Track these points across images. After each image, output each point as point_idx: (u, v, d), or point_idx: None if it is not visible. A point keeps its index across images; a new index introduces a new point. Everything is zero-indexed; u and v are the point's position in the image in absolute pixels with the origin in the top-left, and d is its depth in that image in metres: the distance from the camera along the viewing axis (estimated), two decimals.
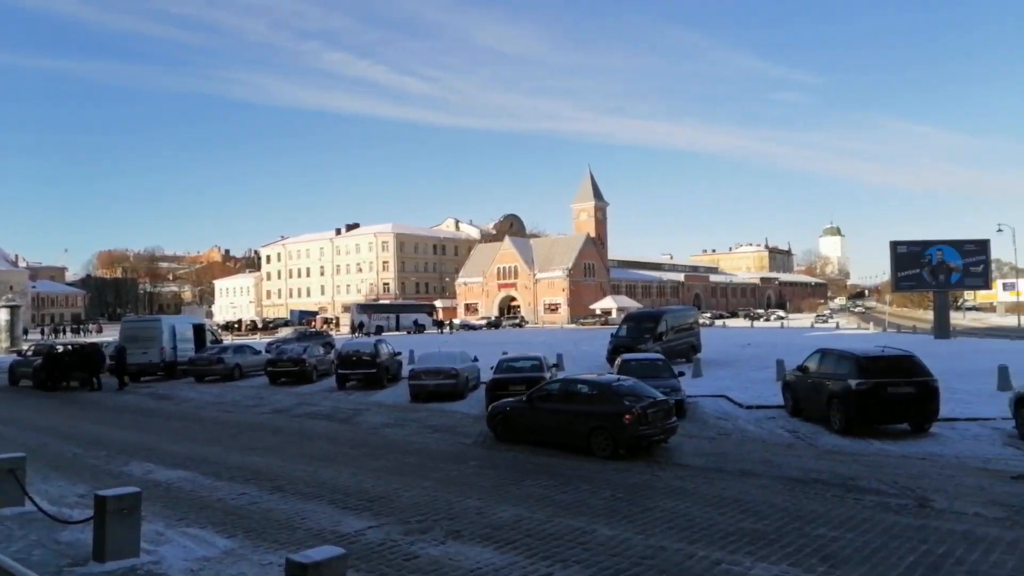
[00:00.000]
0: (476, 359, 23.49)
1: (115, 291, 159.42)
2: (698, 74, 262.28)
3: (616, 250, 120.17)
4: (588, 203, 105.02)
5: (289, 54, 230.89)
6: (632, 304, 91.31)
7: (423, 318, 78.86)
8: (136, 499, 6.91)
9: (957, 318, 73.87)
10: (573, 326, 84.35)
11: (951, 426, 14.22)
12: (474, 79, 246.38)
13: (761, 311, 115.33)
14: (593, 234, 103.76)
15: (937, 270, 46.35)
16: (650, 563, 6.78)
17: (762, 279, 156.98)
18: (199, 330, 32.65)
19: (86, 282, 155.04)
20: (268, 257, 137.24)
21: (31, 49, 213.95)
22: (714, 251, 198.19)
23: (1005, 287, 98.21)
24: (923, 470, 10.90)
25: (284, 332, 60.94)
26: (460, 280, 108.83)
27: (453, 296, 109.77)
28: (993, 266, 57.38)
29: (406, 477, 10.95)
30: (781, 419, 15.88)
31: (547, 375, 18.15)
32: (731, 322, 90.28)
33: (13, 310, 51.89)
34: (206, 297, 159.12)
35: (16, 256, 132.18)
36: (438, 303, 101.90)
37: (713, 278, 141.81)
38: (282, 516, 8.82)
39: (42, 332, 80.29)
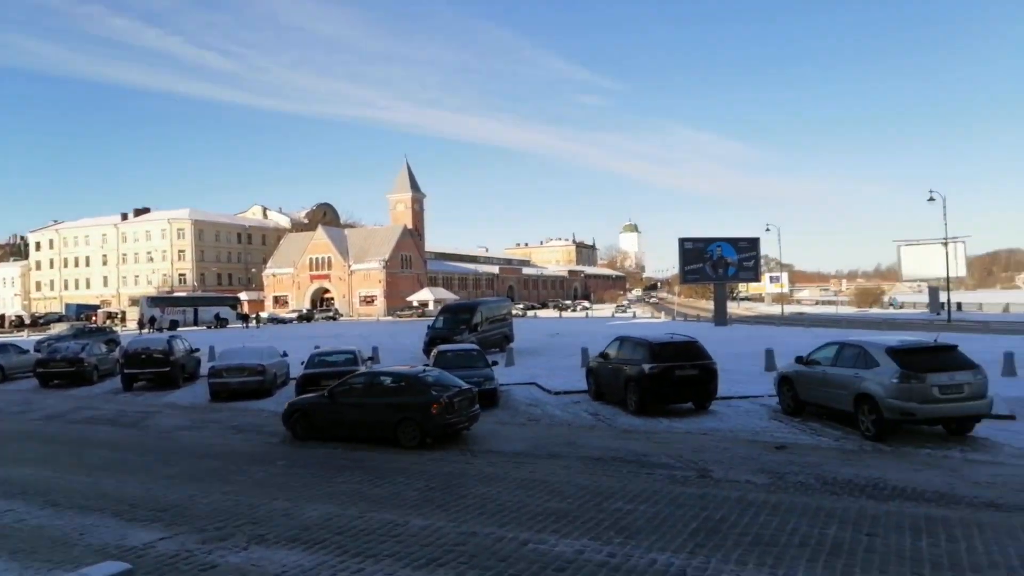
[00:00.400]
0: (285, 354, 22.45)
1: None
2: (509, 73, 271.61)
3: (433, 242, 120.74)
4: (405, 194, 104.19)
5: (65, 17, 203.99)
6: (449, 296, 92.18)
7: (226, 312, 73.93)
8: None
9: (733, 307, 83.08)
10: (390, 318, 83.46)
11: (727, 403, 15.95)
12: (282, 59, 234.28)
13: (568, 302, 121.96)
14: (410, 225, 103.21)
15: (717, 264, 51.81)
16: (461, 549, 6.90)
17: (570, 272, 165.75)
18: None
19: None
20: (38, 244, 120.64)
21: None
22: (527, 245, 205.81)
23: (772, 280, 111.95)
24: (704, 444, 12.13)
25: (58, 328, 54.09)
26: (268, 271, 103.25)
27: (261, 288, 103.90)
28: (762, 261, 65.21)
29: (204, 483, 10.20)
30: (585, 403, 16.89)
31: (362, 369, 17.80)
32: (542, 313, 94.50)
33: None
34: None
35: None
36: (243, 295, 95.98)
37: (525, 271, 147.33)
38: (57, 532, 7.84)
39: None
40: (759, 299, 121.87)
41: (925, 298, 70.90)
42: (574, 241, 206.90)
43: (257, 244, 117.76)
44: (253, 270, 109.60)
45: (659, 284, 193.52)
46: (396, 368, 14.64)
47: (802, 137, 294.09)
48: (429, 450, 11.98)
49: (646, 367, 14.91)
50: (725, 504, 8.29)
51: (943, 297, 57.61)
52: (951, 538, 6.82)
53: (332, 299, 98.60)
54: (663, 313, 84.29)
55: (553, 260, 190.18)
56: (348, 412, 12.99)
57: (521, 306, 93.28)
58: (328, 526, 7.84)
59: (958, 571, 5.96)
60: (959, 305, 64.23)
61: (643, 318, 73.04)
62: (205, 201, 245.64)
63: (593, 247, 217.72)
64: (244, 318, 73.29)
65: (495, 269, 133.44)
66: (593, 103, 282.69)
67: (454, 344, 21.82)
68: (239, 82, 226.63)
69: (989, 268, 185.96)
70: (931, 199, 51.16)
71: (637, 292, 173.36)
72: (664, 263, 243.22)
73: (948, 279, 55.42)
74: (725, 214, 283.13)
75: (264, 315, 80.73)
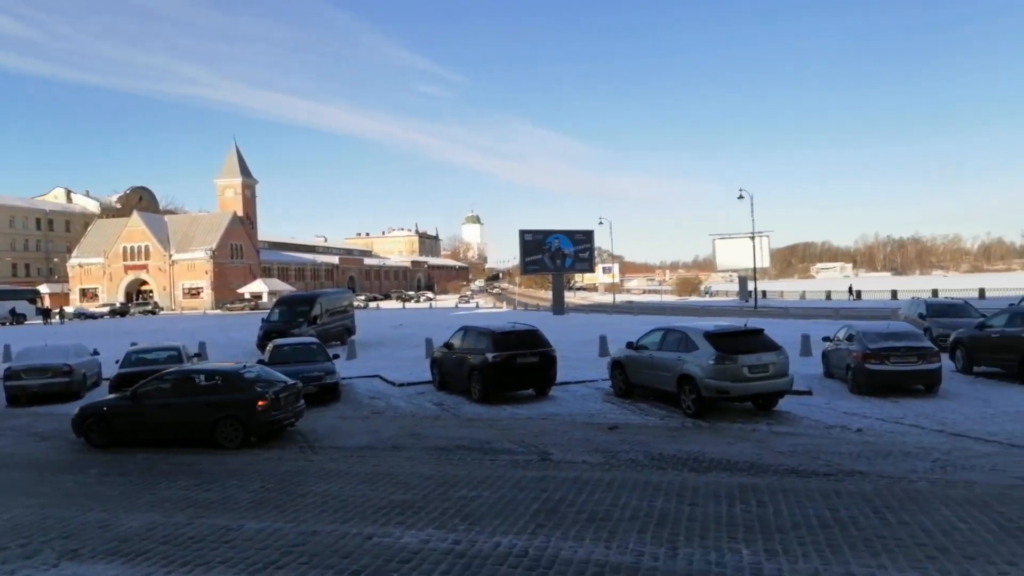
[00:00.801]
0: (97, 352, 20.39)
1: None
2: (347, 57, 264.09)
3: (267, 231, 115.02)
4: (235, 179, 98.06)
5: None
6: (285, 287, 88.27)
7: (23, 306, 65.89)
8: None
9: (569, 297, 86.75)
10: (218, 312, 78.42)
11: (565, 389, 16.65)
12: (87, 26, 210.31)
13: (412, 293, 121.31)
14: (241, 213, 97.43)
15: (555, 256, 53.84)
16: (301, 550, 6.65)
17: (413, 263, 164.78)
18: None
19: None
20: None
21: None
22: (368, 235, 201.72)
23: (604, 271, 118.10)
24: (544, 428, 12.58)
25: None
26: (74, 261, 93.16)
27: (65, 280, 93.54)
28: (596, 253, 68.57)
29: (2, 496, 9.04)
30: (429, 393, 16.89)
31: (187, 366, 16.58)
32: (384, 304, 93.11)
33: None
34: None
35: None
36: (44, 288, 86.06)
37: (367, 261, 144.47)
38: None
39: None
40: (593, 289, 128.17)
41: (736, 287, 78.20)
42: (417, 231, 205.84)
43: (60, 231, 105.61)
44: (56, 260, 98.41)
45: (501, 275, 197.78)
46: (212, 364, 13.77)
47: (632, 137, 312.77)
48: (266, 449, 11.43)
49: (489, 356, 15.18)
50: (564, 485, 8.65)
51: (751, 286, 63.80)
52: (760, 503, 7.58)
53: (151, 292, 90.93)
54: (505, 303, 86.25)
55: (396, 250, 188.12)
56: (155, 414, 12.05)
57: (363, 297, 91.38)
58: (151, 536, 7.23)
59: (767, 533, 6.64)
60: (764, 293, 71.45)
61: (486, 308, 74.29)
62: None
63: (436, 238, 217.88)
64: (46, 313, 65.62)
65: (335, 259, 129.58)
66: (435, 93, 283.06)
67: (291, 338, 20.94)
68: (36, 50, 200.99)
69: (788, 259, 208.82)
70: (740, 197, 56.39)
71: (480, 283, 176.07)
72: (506, 254, 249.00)
73: (755, 269, 61.45)
74: (562, 207, 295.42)
75: (69, 310, 72.83)
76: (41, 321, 62.17)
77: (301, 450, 11.43)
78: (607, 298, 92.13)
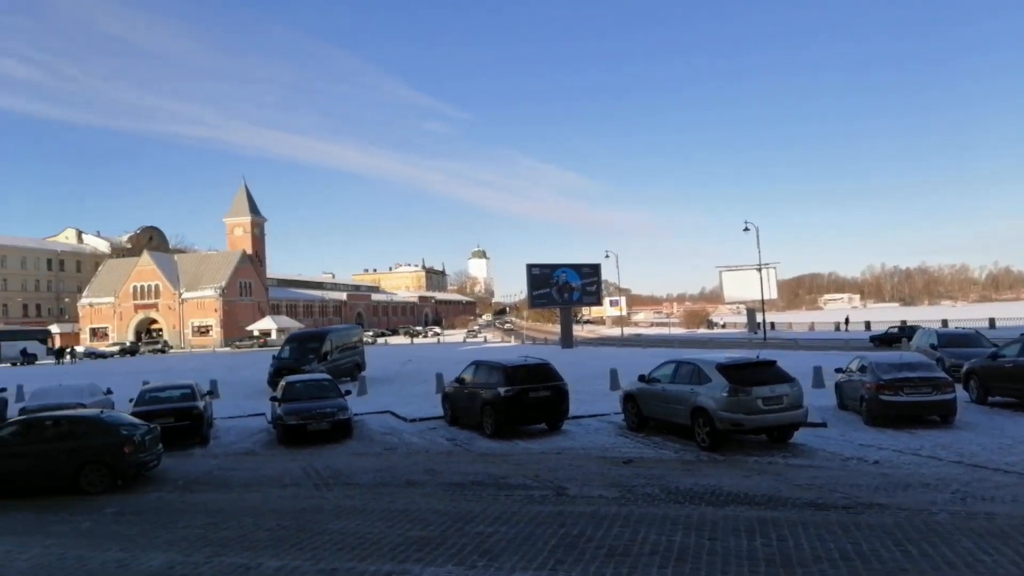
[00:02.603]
0: (110, 391, 20.47)
1: None
2: (352, 96, 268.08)
3: (276, 268, 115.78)
4: (244, 218, 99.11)
5: None
6: (293, 324, 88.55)
7: (33, 346, 66.23)
8: None
9: (577, 330, 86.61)
10: (228, 350, 78.58)
11: (577, 423, 16.60)
12: (95, 69, 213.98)
13: (420, 328, 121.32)
14: (250, 251, 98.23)
15: (562, 289, 54.01)
16: None
17: (420, 298, 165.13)
18: None
19: None
20: None
21: None
22: (375, 270, 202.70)
23: (611, 303, 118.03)
24: (558, 463, 12.53)
25: None
26: (85, 300, 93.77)
27: (76, 319, 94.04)
28: (603, 286, 68.65)
29: (20, 536, 9.07)
30: (442, 429, 16.87)
31: (200, 404, 16.66)
32: (393, 339, 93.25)
33: None
34: None
35: None
36: (55, 328, 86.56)
37: (375, 297, 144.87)
38: None
39: None
40: (600, 322, 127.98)
41: (744, 319, 77.98)
42: (423, 267, 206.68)
43: (71, 271, 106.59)
44: (66, 300, 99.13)
45: (508, 309, 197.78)
46: (65, 411, 13.92)
47: (635, 170, 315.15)
48: (281, 488, 11.42)
49: (502, 390, 15.19)
50: (581, 519, 8.61)
51: (759, 317, 63.65)
52: (781, 537, 7.53)
53: (160, 330, 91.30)
54: (513, 337, 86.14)
55: (403, 286, 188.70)
56: (4, 463, 11.65)
57: (371, 333, 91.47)
58: (170, 574, 7.24)
59: (789, 567, 6.59)
60: (772, 324, 71.25)
61: (494, 343, 74.21)
62: (6, 223, 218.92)
63: (443, 273, 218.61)
64: (58, 353, 65.85)
65: (343, 296, 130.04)
66: (438, 130, 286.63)
67: (303, 375, 21.01)
68: (44, 92, 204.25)
69: (796, 291, 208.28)
70: (746, 229, 56.61)
71: (488, 317, 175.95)
72: (512, 288, 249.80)
73: (763, 301, 61.37)
74: (568, 241, 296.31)
75: (80, 349, 73.06)
76: (53, 361, 62.40)
77: (316, 487, 11.42)
78: (615, 331, 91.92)
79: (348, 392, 18.41)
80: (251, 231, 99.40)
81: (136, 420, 13.23)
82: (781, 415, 12.88)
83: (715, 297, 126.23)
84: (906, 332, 38.40)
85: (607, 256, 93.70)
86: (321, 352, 28.40)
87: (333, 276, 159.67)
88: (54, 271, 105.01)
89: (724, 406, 12.65)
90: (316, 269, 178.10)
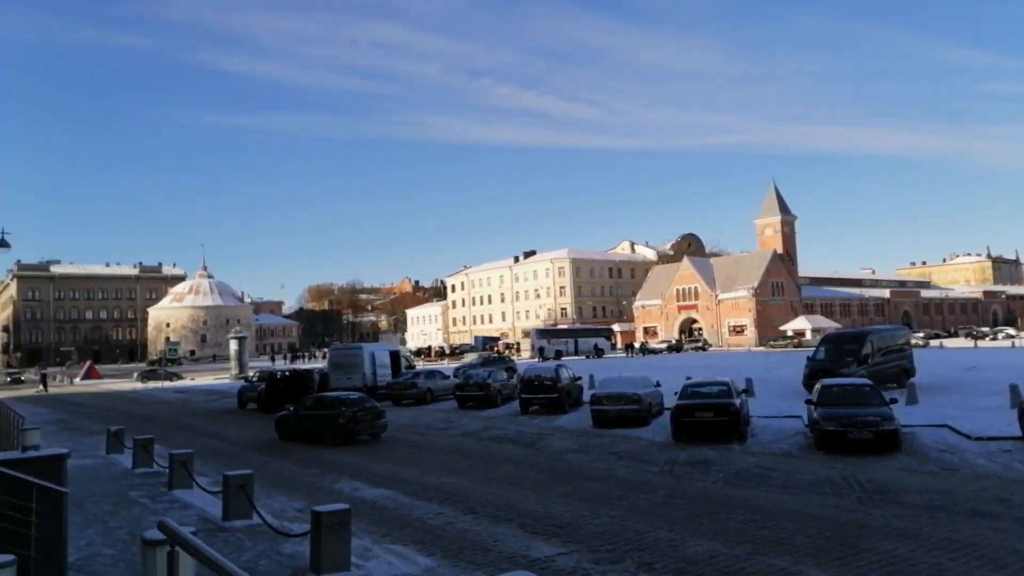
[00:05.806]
0: (659, 384, 22.89)
1: (323, 322, 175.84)
2: (891, 72, 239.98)
3: (807, 266, 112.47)
4: (773, 218, 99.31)
5: (461, 93, 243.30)
6: (829, 324, 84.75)
7: (602, 342, 78.73)
8: (347, 515, 7.44)
9: None
10: (762, 349, 79.68)
11: None
12: (640, 99, 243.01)
13: (986, 329, 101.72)
14: (780, 250, 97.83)
15: None
16: None
17: (985, 293, 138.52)
18: (395, 357, 35.16)
19: (299, 314, 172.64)
20: (453, 286, 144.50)
21: (237, 107, 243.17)
22: (924, 263, 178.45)
23: None
24: None
25: (469, 357, 63.38)
26: (638, 303, 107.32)
27: (631, 320, 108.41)
28: None
29: (592, 504, 10.85)
30: (1019, 451, 13.78)
31: (736, 401, 17.26)
32: (949, 342, 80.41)
33: (241, 341, 60.14)
34: (399, 325, 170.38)
35: (242, 293, 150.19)
36: (616, 327, 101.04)
37: (924, 293, 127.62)
38: (476, 537, 9.08)
39: (272, 359, 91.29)
40: None
41: None
42: (989, 255, 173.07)
43: (627, 278, 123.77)
44: (624, 302, 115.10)
45: None
46: (335, 393, 22.83)
47: None
48: (820, 495, 10.98)
49: None
50: None
51: None
52: None
53: (700, 329, 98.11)
54: None
55: (961, 279, 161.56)
56: (306, 422, 19.64)
57: (921, 335, 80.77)
58: (714, 563, 7.66)
59: None
60: None
61: None
62: (581, 240, 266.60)
63: (1017, 262, 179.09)
64: (628, 348, 77.47)
65: (884, 293, 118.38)
66: (1002, 91, 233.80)
67: (841, 378, 19.82)
68: (604, 127, 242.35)
69: None
70: None
71: None
72: None
73: None
74: None
75: (636, 345, 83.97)
76: (624, 355, 73.38)
77: (859, 501, 10.59)
78: None
79: (894, 400, 16.55)
80: (781, 230, 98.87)
81: (354, 398, 20.07)
82: None
83: None
84: None
85: None
86: (860, 354, 26.30)
87: (873, 272, 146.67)
88: (614, 278, 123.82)
89: None
90: (853, 266, 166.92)
